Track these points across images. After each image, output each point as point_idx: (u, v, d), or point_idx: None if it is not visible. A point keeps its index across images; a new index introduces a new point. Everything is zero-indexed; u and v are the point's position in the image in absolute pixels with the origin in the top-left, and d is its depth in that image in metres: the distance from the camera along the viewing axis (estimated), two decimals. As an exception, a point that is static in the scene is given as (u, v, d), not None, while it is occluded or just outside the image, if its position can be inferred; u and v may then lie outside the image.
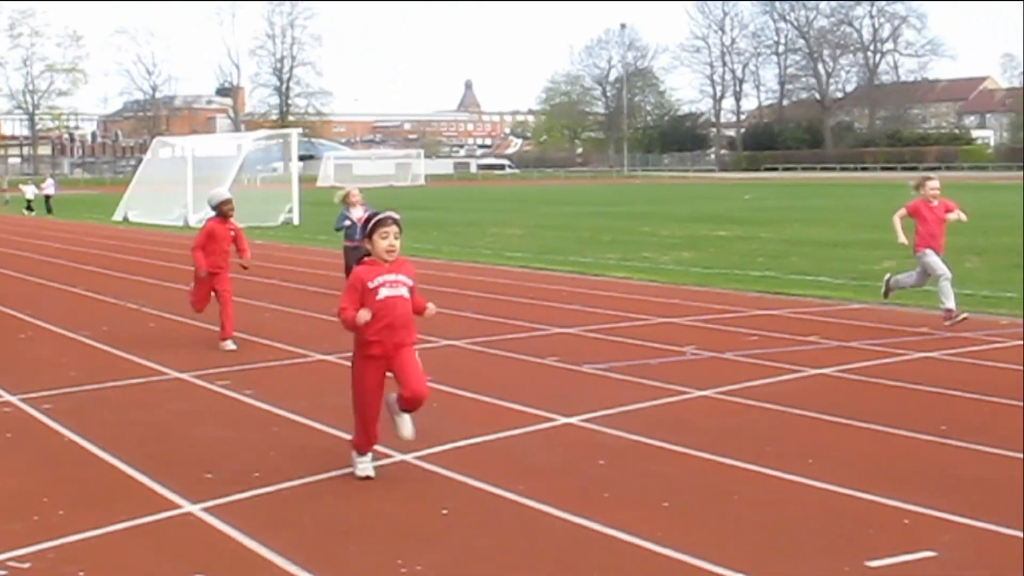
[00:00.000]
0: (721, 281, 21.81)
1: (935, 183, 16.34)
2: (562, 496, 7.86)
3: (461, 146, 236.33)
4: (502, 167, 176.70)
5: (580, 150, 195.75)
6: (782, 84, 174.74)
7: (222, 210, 15.27)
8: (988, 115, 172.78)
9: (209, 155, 52.48)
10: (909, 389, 11.68)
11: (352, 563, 6.74)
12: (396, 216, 8.53)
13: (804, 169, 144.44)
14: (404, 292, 8.46)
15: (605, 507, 7.70)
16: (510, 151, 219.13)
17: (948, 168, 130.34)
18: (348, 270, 19.42)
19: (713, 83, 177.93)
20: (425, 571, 6.57)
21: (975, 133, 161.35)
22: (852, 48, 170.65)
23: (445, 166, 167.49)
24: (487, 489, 8.15)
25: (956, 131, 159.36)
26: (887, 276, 17.40)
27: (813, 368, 12.76)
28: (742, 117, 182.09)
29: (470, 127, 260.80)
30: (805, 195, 68.46)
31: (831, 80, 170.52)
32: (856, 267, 23.77)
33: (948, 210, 16.17)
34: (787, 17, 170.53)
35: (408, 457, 9.10)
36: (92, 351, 14.76)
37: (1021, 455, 8.95)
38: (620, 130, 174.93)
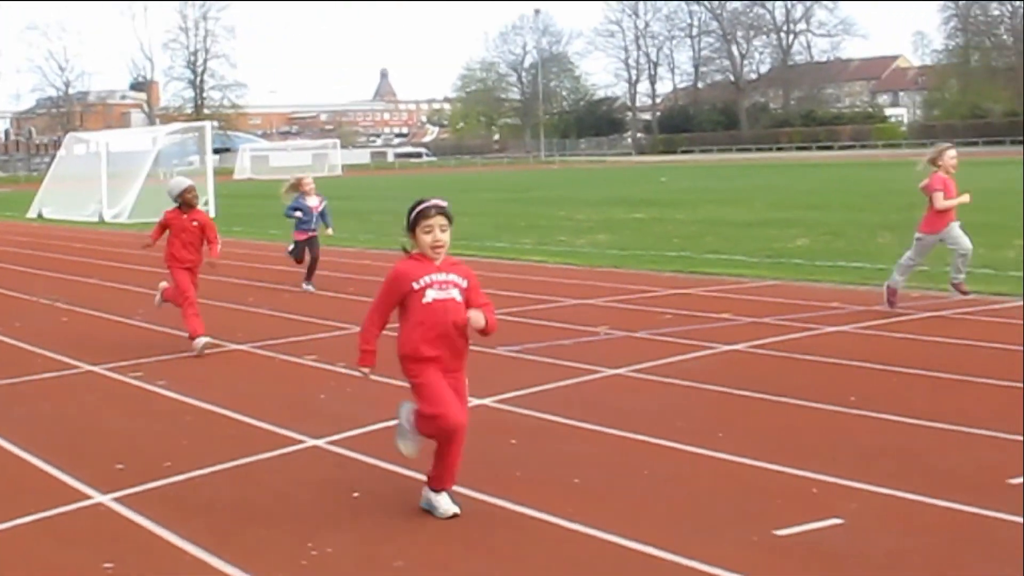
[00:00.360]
0: (636, 262, 21.89)
1: (954, 153, 15.10)
2: (473, 476, 7.85)
3: (378, 136, 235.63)
4: (419, 155, 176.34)
5: (497, 137, 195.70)
6: (696, 67, 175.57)
7: (185, 199, 13.92)
8: (901, 93, 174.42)
9: (123, 150, 51.98)
10: (820, 362, 11.80)
11: (262, 547, 6.72)
12: (443, 204, 7.13)
13: (720, 151, 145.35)
14: (456, 296, 7.13)
15: (516, 486, 7.72)
16: (427, 139, 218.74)
17: (862, 146, 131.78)
18: (311, 265, 19.30)
19: (628, 67, 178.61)
20: (335, 553, 6.57)
21: (888, 111, 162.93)
22: (765, 29, 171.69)
23: (362, 156, 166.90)
24: (399, 472, 8.13)
25: (870, 110, 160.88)
26: (887, 283, 15.35)
27: (725, 344, 12.85)
28: (658, 100, 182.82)
29: (386, 116, 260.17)
30: (721, 176, 68.80)
31: (745, 62, 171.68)
32: (770, 246, 23.92)
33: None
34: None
35: (320, 442, 9.08)
36: (4, 347, 14.58)
37: (928, 423, 9.09)
38: (536, 116, 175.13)
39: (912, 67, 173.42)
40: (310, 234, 19.40)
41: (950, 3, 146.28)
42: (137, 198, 43.54)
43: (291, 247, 19.71)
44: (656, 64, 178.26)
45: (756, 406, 9.97)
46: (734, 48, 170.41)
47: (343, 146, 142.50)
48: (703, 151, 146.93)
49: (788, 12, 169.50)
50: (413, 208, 7.14)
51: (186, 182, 14.14)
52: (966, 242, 14.74)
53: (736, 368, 11.60)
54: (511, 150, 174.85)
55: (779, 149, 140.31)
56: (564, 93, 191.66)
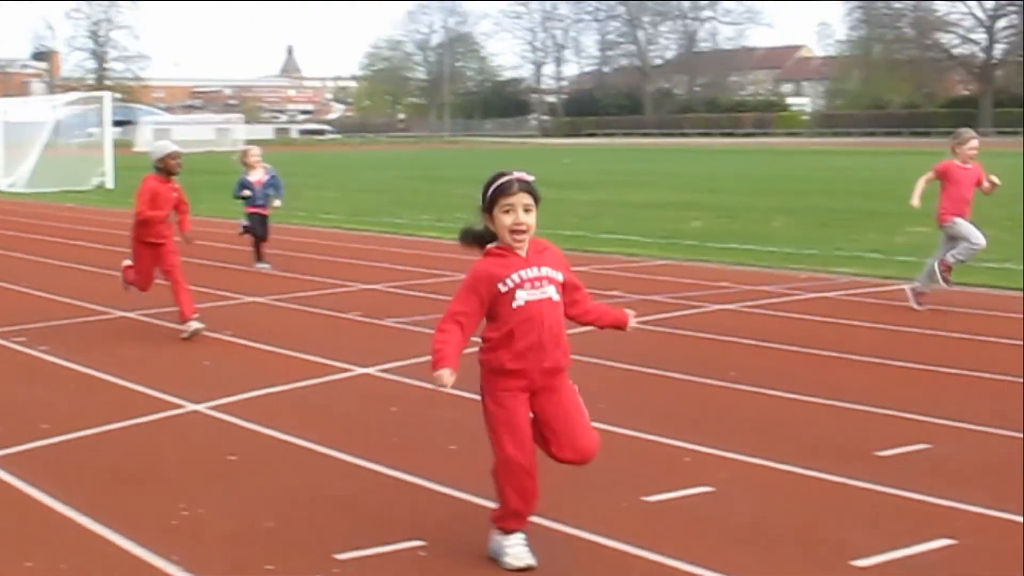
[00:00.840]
0: (534, 240, 21.90)
1: (975, 143, 13.81)
2: (352, 442, 7.89)
3: (282, 112, 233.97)
4: (323, 132, 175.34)
5: (402, 116, 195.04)
6: (603, 51, 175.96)
7: (168, 165, 12.33)
8: (804, 83, 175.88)
9: (21, 119, 51.23)
10: (703, 339, 11.94)
11: (133, 508, 6.70)
12: (529, 179, 5.85)
13: (624, 135, 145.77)
14: (553, 294, 5.89)
15: (393, 451, 7.76)
16: (332, 117, 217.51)
17: (764, 134, 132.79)
18: (257, 243, 18.55)
19: (535, 49, 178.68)
20: (206, 514, 6.57)
21: (791, 100, 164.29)
22: (672, 16, 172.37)
23: (266, 132, 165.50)
24: (277, 436, 8.15)
25: (773, 98, 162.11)
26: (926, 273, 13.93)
27: (612, 320, 12.93)
28: (563, 83, 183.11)
29: (291, 93, 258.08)
30: (623, 160, 69.04)
31: (651, 47, 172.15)
32: (666, 226, 24.10)
33: (979, 179, 13.75)
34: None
35: (200, 407, 9.06)
36: None
37: (802, 397, 9.26)
38: (442, 96, 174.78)
39: (816, 57, 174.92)
40: (259, 210, 18.49)
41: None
42: (34, 168, 43.02)
43: (244, 224, 18.81)
44: (562, 47, 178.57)
45: (638, 380, 10.09)
46: (640, 33, 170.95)
47: (247, 121, 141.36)
48: (607, 135, 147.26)
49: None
50: (491, 183, 5.86)
51: (171, 146, 12.60)
52: (980, 237, 13.70)
53: (621, 343, 11.60)
54: (416, 129, 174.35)
55: (682, 135, 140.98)
56: (470, 74, 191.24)
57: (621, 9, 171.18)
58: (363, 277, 16.86)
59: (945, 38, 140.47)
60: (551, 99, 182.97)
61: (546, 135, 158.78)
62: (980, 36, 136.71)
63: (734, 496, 6.84)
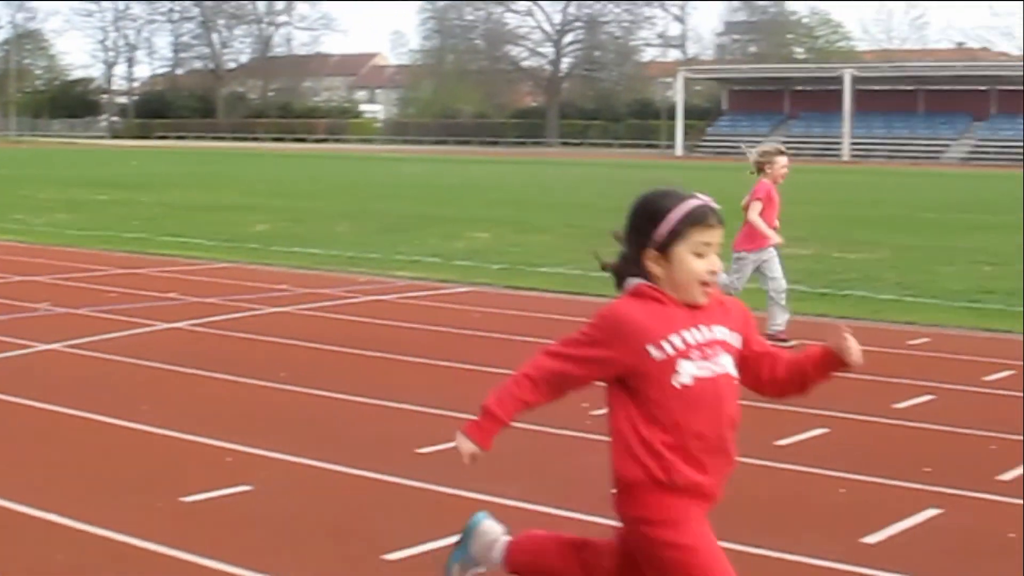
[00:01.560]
0: (93, 242, 21.43)
1: (785, 160, 12.52)
2: None
3: None
4: None
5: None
6: (176, 52, 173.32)
7: None
8: (378, 90, 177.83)
9: None
10: (257, 340, 11.94)
11: None
12: (718, 207, 4.16)
13: (196, 138, 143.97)
14: (730, 366, 4.15)
15: None
16: None
17: (337, 140, 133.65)
18: None
19: (106, 49, 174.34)
20: None
21: (365, 107, 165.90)
22: (247, 19, 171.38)
23: None
24: None
25: (347, 105, 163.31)
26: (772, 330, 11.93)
27: (167, 322, 12.76)
28: (135, 84, 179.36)
29: None
30: (193, 162, 68.06)
31: (225, 50, 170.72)
32: (229, 229, 23.94)
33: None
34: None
35: None
36: None
37: (350, 397, 9.42)
38: (7, 94, 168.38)
39: (390, 65, 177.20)
40: None
41: (427, 4, 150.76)
42: None
43: None
44: (135, 47, 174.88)
45: (186, 381, 10.01)
46: (215, 36, 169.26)
47: None
48: (179, 137, 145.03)
49: (270, 3, 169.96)
50: (670, 207, 4.09)
51: None
52: (782, 281, 12.26)
53: (174, 345, 11.59)
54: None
55: (255, 139, 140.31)
56: (38, 72, 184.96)
57: (196, 11, 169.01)
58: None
59: (515, 50, 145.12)
60: (122, 100, 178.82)
61: (116, 136, 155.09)
62: (548, 50, 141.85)
63: (273, 494, 6.90)
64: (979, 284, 17.12)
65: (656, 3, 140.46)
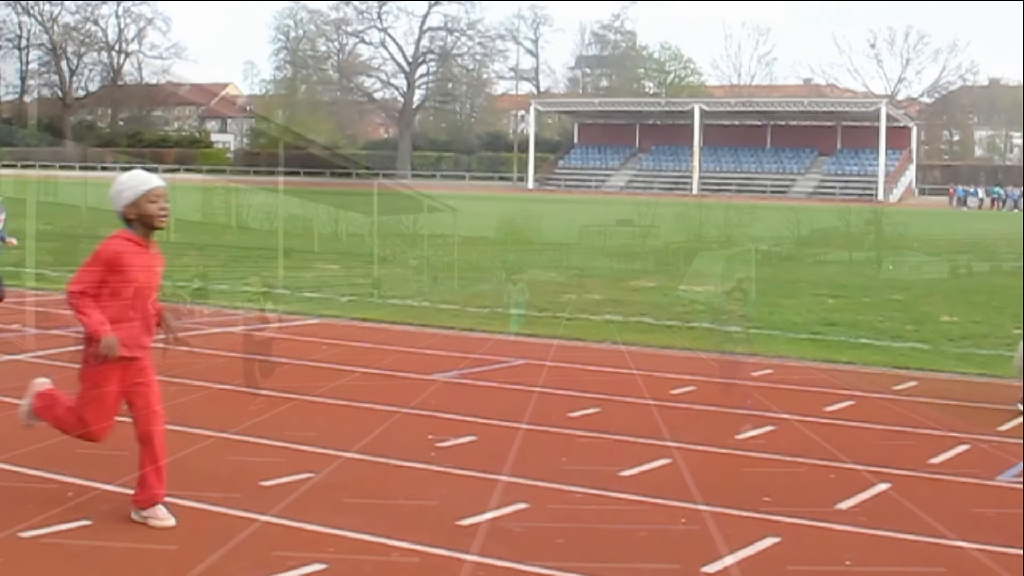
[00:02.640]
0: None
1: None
2: None
3: None
4: None
5: None
6: (23, 79, 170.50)
7: (148, 213, 6.87)
8: (229, 120, 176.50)
9: None
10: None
11: None
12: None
13: (43, 167, 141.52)
14: None
15: None
16: None
17: (188, 170, 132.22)
18: None
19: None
20: None
21: (216, 137, 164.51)
22: (97, 47, 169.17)
23: None
24: None
25: (197, 135, 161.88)
26: None
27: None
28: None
29: None
30: (33, 191, 66.96)
31: (75, 78, 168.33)
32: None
33: None
34: (31, 12, 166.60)
35: None
36: None
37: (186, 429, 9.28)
38: None
39: (241, 95, 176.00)
40: None
41: (280, 35, 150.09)
42: None
43: None
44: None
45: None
46: (64, 64, 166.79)
47: None
48: (25, 166, 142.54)
49: (121, 31, 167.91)
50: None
51: (154, 180, 7.03)
52: None
53: None
54: None
55: (104, 168, 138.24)
56: None
57: (45, 38, 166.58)
58: None
59: (368, 82, 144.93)
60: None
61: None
62: (400, 82, 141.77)
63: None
64: (822, 316, 17.42)
65: (509, 37, 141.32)
